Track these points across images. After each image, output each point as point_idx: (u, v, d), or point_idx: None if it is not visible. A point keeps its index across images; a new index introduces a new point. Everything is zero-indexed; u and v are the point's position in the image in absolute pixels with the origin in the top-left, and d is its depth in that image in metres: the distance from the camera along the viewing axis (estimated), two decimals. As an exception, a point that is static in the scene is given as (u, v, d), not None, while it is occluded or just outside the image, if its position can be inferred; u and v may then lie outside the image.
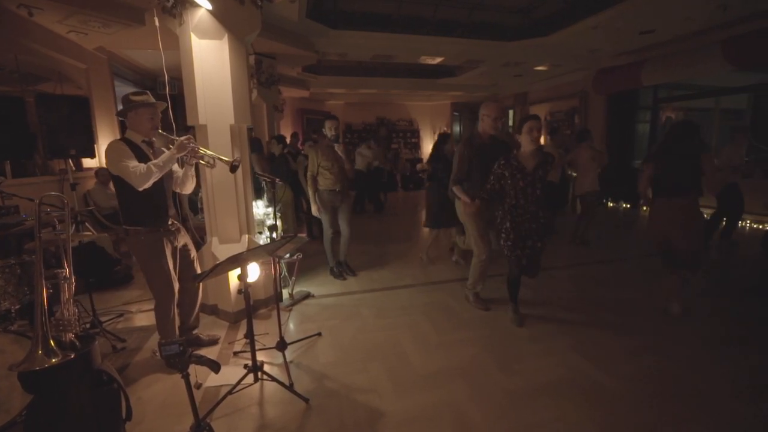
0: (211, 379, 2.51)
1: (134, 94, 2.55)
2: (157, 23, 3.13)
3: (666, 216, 3.24)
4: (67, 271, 1.91)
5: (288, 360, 2.70)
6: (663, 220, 3.27)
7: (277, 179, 3.65)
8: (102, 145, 5.33)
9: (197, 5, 3.00)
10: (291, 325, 3.39)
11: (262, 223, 4.08)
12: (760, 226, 6.24)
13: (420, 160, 13.34)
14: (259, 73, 6.68)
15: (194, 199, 4.98)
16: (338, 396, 2.40)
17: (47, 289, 1.78)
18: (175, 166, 2.67)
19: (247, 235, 3.52)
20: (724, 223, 5.25)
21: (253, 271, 3.17)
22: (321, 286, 4.22)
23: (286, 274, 3.91)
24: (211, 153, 2.64)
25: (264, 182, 3.94)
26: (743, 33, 5.73)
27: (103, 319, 3.30)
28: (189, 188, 2.82)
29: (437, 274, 4.59)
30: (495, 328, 3.21)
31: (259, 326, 3.23)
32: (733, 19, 5.71)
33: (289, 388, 2.39)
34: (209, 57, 3.13)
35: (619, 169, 8.12)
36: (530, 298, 3.68)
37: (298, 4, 4.97)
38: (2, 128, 3.62)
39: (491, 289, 3.81)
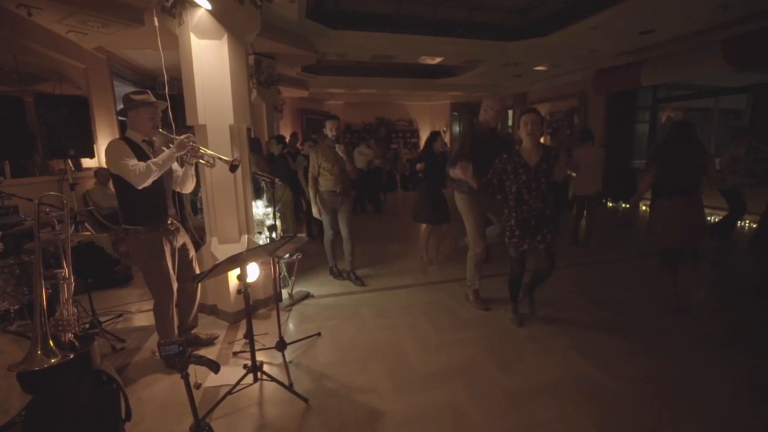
0: (211, 379, 2.51)
1: (135, 93, 2.55)
2: (156, 23, 3.13)
3: (668, 215, 3.26)
4: (66, 271, 1.91)
5: (287, 360, 2.70)
6: (665, 219, 3.29)
7: (277, 179, 3.64)
8: (101, 145, 5.33)
9: (197, 5, 3.00)
10: (290, 325, 3.39)
11: (261, 223, 4.08)
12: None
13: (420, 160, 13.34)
14: (258, 73, 6.68)
15: (194, 199, 4.97)
16: (338, 396, 2.40)
17: (46, 289, 1.78)
18: (175, 165, 2.67)
19: (246, 235, 3.51)
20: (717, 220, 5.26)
21: (253, 271, 3.16)
22: (320, 286, 4.22)
23: (286, 274, 3.91)
24: (211, 152, 2.63)
25: (263, 182, 3.94)
26: (743, 33, 5.73)
27: (102, 319, 3.29)
28: (189, 187, 2.82)
29: (437, 274, 4.58)
30: (495, 328, 3.21)
31: (258, 326, 3.23)
32: (732, 19, 5.71)
33: (289, 388, 2.39)
34: (209, 57, 3.13)
35: (618, 169, 8.12)
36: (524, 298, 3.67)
37: (298, 4, 4.97)
38: (1, 128, 3.61)
39: (492, 289, 3.81)
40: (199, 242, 3.52)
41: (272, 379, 2.43)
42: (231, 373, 2.51)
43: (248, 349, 2.45)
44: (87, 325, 3.07)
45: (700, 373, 2.53)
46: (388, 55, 7.64)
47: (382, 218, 8.35)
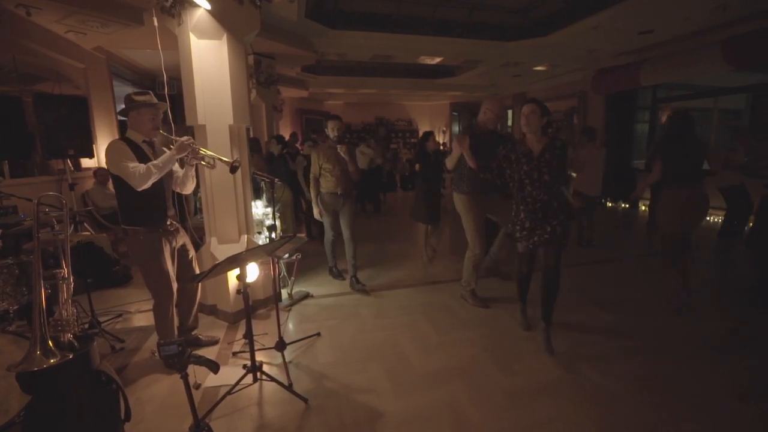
0: (210, 380, 2.51)
1: (137, 93, 2.54)
2: (155, 23, 3.12)
3: (674, 204, 3.33)
4: (65, 271, 1.90)
5: (287, 360, 2.70)
6: (671, 208, 3.36)
7: (276, 179, 3.64)
8: (101, 145, 5.32)
9: (196, 5, 3.00)
10: (290, 326, 3.39)
11: (261, 223, 4.08)
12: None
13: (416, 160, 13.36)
14: (258, 73, 6.68)
15: (193, 199, 4.97)
16: (337, 396, 2.39)
17: (45, 289, 1.77)
18: (176, 167, 2.67)
19: (246, 236, 3.51)
20: (721, 221, 5.25)
21: (252, 272, 3.16)
22: (320, 286, 4.22)
23: (285, 274, 3.91)
24: (212, 154, 2.63)
25: (263, 182, 3.93)
26: (742, 33, 5.73)
27: (101, 319, 3.28)
28: (189, 188, 2.82)
29: (437, 274, 4.58)
30: (494, 328, 3.21)
31: (258, 326, 3.23)
32: (732, 19, 5.71)
33: (288, 388, 2.39)
34: (208, 57, 3.13)
35: (618, 169, 8.12)
36: (531, 299, 3.67)
37: (297, 4, 4.96)
38: (0, 128, 3.61)
39: (492, 289, 3.81)
40: (198, 242, 3.52)
41: (272, 379, 2.43)
42: (230, 373, 2.51)
43: (248, 350, 2.45)
44: (86, 326, 3.07)
45: (700, 373, 2.53)
46: (388, 55, 7.64)
47: (381, 218, 8.35)
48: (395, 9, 6.34)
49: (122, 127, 5.72)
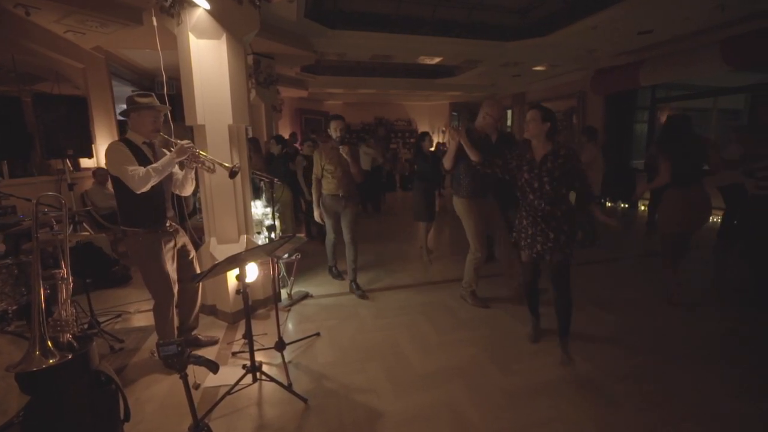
0: (210, 380, 2.50)
1: (139, 95, 2.54)
2: (155, 23, 3.12)
3: (677, 204, 3.36)
4: (64, 271, 1.90)
5: (286, 360, 2.69)
6: (674, 208, 3.38)
7: (276, 179, 3.64)
8: (100, 145, 5.32)
9: (195, 5, 3.00)
10: (289, 326, 3.38)
11: (260, 223, 4.07)
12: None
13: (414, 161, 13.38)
14: (257, 73, 6.67)
15: (192, 200, 4.97)
16: (337, 396, 2.39)
17: (45, 289, 1.77)
18: (176, 169, 2.66)
19: (245, 236, 3.51)
20: (719, 220, 5.25)
21: (252, 272, 3.16)
22: (320, 287, 4.21)
23: (285, 274, 3.91)
24: (212, 158, 2.63)
25: (262, 182, 3.92)
26: (742, 33, 5.74)
27: (101, 319, 3.28)
28: (188, 190, 2.81)
29: (436, 274, 4.58)
30: (494, 328, 3.21)
31: (257, 326, 3.23)
32: (731, 20, 5.71)
33: (288, 388, 2.39)
34: (207, 57, 3.12)
35: (617, 169, 8.12)
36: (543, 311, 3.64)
37: (297, 4, 4.96)
38: (-1, 128, 3.60)
39: (491, 289, 3.81)
40: (197, 242, 3.52)
41: (271, 379, 2.42)
42: (230, 373, 2.51)
43: (247, 350, 2.45)
44: (85, 326, 3.07)
45: (700, 373, 2.53)
46: (387, 55, 7.64)
47: (381, 218, 8.35)
48: (395, 9, 6.34)
49: (122, 127, 5.72)
